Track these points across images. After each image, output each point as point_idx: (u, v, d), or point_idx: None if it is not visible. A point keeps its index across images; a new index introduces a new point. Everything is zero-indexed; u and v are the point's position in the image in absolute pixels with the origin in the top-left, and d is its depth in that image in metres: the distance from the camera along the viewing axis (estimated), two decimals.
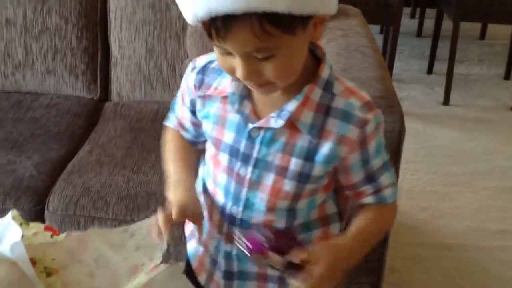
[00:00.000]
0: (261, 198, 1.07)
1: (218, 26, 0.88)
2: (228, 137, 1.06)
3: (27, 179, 1.76)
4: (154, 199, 1.68)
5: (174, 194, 1.10)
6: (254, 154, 1.04)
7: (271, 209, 1.08)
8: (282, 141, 1.02)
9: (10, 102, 2.17)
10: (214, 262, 1.18)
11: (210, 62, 1.09)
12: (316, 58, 1.03)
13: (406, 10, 4.36)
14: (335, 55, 1.78)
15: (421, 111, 3.36)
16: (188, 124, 1.17)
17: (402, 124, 1.48)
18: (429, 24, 4.12)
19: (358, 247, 1.06)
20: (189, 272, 1.22)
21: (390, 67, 3.42)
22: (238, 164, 1.06)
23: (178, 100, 1.18)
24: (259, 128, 1.03)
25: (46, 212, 1.70)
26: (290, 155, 1.03)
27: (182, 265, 1.13)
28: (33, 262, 1.01)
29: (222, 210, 1.12)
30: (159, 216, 1.05)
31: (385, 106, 1.48)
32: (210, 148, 1.12)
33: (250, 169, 1.05)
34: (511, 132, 3.20)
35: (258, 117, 1.03)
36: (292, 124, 1.01)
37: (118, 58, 2.19)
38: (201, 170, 1.19)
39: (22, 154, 1.86)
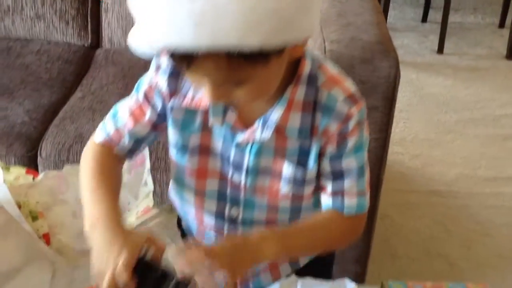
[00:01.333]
0: (261, 199, 1.02)
1: (178, 59, 0.80)
2: (217, 144, 0.98)
3: (19, 126, 1.75)
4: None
5: (99, 236, 0.89)
6: (245, 163, 0.98)
7: (273, 208, 1.03)
8: (272, 147, 0.96)
9: (0, 48, 2.13)
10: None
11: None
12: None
13: None
14: (330, 0, 1.75)
15: (415, 60, 3.34)
16: (142, 127, 1.00)
17: (397, 69, 1.47)
18: None
19: (293, 238, 0.98)
20: None
21: (385, 14, 3.39)
22: (230, 171, 0.99)
23: (136, 99, 1.00)
24: (247, 140, 0.96)
25: (39, 158, 1.70)
26: (282, 158, 0.97)
27: (175, 213, 1.14)
28: (18, 206, 1.02)
29: (217, 214, 1.05)
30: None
31: (380, 51, 1.47)
32: (191, 163, 1.00)
33: (243, 175, 0.99)
34: (504, 80, 3.20)
35: (245, 124, 0.95)
36: (279, 132, 0.94)
37: (109, 3, 2.15)
38: (172, 182, 1.09)
39: (13, 101, 1.85)
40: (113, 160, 1.02)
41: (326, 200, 1.01)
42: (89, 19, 2.19)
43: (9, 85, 1.92)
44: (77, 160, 1.64)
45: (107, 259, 0.84)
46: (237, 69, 0.78)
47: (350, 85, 0.95)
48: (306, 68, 0.92)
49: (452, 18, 3.51)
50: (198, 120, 0.97)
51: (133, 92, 1.01)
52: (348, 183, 0.98)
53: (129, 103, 1.01)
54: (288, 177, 0.98)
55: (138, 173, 1.14)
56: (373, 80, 1.47)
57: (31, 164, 1.68)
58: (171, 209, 1.14)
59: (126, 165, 1.09)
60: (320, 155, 0.97)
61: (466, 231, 2.18)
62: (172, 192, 1.11)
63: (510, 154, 2.61)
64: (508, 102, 2.99)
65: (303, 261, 1.13)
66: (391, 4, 3.52)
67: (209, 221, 1.06)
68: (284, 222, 1.04)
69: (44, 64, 2.06)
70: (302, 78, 0.92)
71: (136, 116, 1.00)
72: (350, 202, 0.99)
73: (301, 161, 0.97)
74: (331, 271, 1.24)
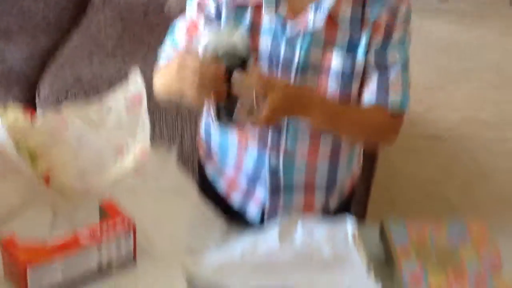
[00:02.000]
0: None
1: None
2: (265, 43, 1.00)
3: (17, 68, 1.75)
4: (147, 87, 1.66)
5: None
6: (296, 59, 0.99)
7: None
8: (322, 39, 0.98)
9: None
10: (254, 178, 1.10)
11: None
12: None
13: None
14: None
15: (419, 5, 3.28)
16: (197, 39, 1.02)
17: None
18: None
19: (342, 114, 1.00)
20: (215, 196, 1.14)
21: None
22: (279, 72, 1.00)
23: (190, 15, 1.05)
24: (298, 31, 0.97)
25: (37, 99, 1.69)
26: (331, 51, 0.98)
27: (173, 152, 1.13)
28: (17, 147, 1.00)
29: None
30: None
31: None
32: None
33: (292, 75, 1.00)
34: (508, 27, 3.17)
35: (295, 16, 0.98)
36: (331, 20, 0.96)
37: None
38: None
39: (11, 45, 1.85)
40: None
41: (370, 95, 1.01)
42: None
43: (6, 30, 1.92)
44: (75, 102, 1.64)
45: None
46: None
47: None
48: None
49: None
50: (248, 19, 0.99)
51: (186, 12, 1.06)
52: (393, 75, 1.00)
53: (183, 22, 1.06)
54: (337, 69, 0.99)
55: (136, 113, 1.13)
56: None
57: (30, 106, 1.67)
58: (168, 150, 1.13)
59: (123, 105, 1.08)
60: (367, 51, 0.99)
61: (468, 175, 2.19)
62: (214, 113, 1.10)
63: None
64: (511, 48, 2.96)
65: (332, 205, 1.14)
66: None
67: (253, 129, 1.05)
68: (327, 137, 1.05)
69: (41, 8, 2.04)
70: None
71: (190, 32, 1.04)
72: (395, 96, 1.01)
73: (350, 52, 0.98)
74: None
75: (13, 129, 1.05)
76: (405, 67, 1.01)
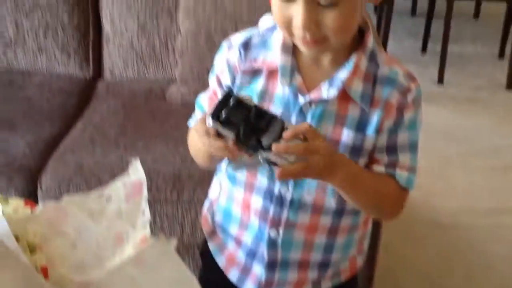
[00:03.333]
0: None
1: None
2: (276, 112, 1.00)
3: (20, 158, 1.75)
4: (148, 177, 1.67)
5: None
6: None
7: (323, 185, 1.04)
8: (333, 113, 1.00)
9: (2, 81, 2.14)
10: (252, 254, 1.13)
11: (249, 38, 1.06)
12: (359, 29, 1.02)
13: None
14: None
15: None
16: None
17: None
18: (423, 3, 4.10)
19: (360, 177, 1.01)
20: (215, 270, 1.18)
21: (384, 46, 3.41)
22: None
23: (211, 86, 1.11)
24: (310, 102, 1.00)
25: (39, 190, 1.69)
26: (341, 126, 1.00)
27: (173, 241, 1.13)
28: (16, 239, 1.00)
29: (266, 193, 1.06)
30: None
31: None
32: None
33: None
34: (505, 111, 3.20)
35: (308, 89, 1.01)
36: (343, 94, 0.99)
37: (110, 35, 2.17)
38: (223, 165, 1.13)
39: (14, 133, 1.85)
40: None
41: (378, 168, 1.03)
42: (90, 51, 2.20)
43: (10, 118, 1.93)
44: (77, 192, 1.65)
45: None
46: None
47: (405, 67, 1.04)
48: (370, 42, 1.00)
49: (452, 48, 3.54)
50: (261, 86, 1.03)
51: (210, 84, 1.12)
52: (402, 157, 1.03)
53: (207, 93, 1.13)
54: (346, 144, 1.00)
55: (136, 202, 1.13)
56: None
57: (31, 197, 1.68)
58: (169, 237, 1.13)
59: (123, 193, 1.09)
60: (379, 131, 1.01)
61: (469, 263, 2.17)
62: (223, 178, 1.13)
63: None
64: (508, 132, 2.99)
65: (324, 285, 1.15)
66: (390, 35, 3.54)
67: (256, 202, 1.07)
68: (330, 210, 1.06)
69: (46, 97, 2.07)
70: (366, 49, 1.00)
71: (212, 100, 1.08)
72: (401, 173, 1.03)
73: (360, 128, 1.00)
74: None
75: (13, 220, 1.05)
76: (414, 149, 1.04)
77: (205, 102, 1.12)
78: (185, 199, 1.64)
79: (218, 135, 0.91)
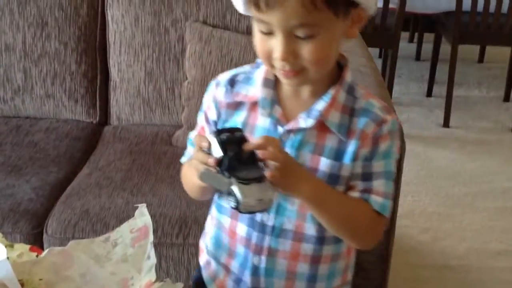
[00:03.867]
0: (292, 203, 1.08)
1: None
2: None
3: (25, 203, 1.75)
4: (154, 221, 1.66)
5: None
6: None
7: (302, 214, 1.08)
8: (312, 142, 1.05)
9: (9, 126, 2.16)
10: (238, 281, 1.16)
11: (235, 75, 1.12)
12: (337, 64, 1.07)
13: (405, 35, 4.38)
14: None
15: (421, 134, 3.36)
16: None
17: (402, 141, 1.47)
18: (427, 48, 4.13)
19: (330, 195, 1.04)
20: None
21: (389, 90, 3.43)
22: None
23: (200, 122, 1.17)
24: (289, 132, 1.05)
25: (44, 235, 1.69)
26: (319, 155, 1.05)
27: (180, 286, 1.12)
28: (21, 284, 1.00)
29: (250, 220, 1.11)
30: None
31: None
32: None
33: None
34: (511, 153, 3.20)
35: (288, 120, 1.06)
36: (321, 125, 1.04)
37: (117, 81, 2.19)
38: None
39: (20, 178, 1.86)
40: None
41: (353, 194, 1.06)
42: (97, 97, 2.22)
43: (17, 163, 1.94)
44: (82, 237, 1.65)
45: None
46: (313, 12, 0.93)
47: (383, 101, 1.09)
48: (348, 76, 1.06)
49: (457, 92, 3.56)
50: (242, 118, 1.09)
51: (197, 121, 1.18)
52: (376, 183, 1.05)
53: (196, 128, 1.18)
54: (324, 172, 1.04)
55: (142, 246, 1.13)
56: None
57: (37, 242, 1.67)
58: (175, 281, 1.12)
59: (128, 238, 1.09)
60: (354, 159, 1.04)
61: None
62: (213, 207, 1.19)
63: None
64: None
65: None
66: (395, 80, 3.57)
67: (241, 230, 1.12)
68: (311, 237, 1.09)
69: (53, 142, 2.08)
70: (344, 83, 1.05)
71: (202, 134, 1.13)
72: (376, 198, 1.05)
73: (338, 157, 1.04)
74: None
75: (18, 264, 1.05)
76: (389, 177, 1.07)
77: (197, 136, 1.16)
78: (191, 243, 1.63)
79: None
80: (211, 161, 0.97)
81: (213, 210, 1.19)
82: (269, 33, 0.98)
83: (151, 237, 1.16)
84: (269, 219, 1.09)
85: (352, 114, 1.05)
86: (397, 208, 1.57)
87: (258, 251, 1.11)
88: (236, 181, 0.95)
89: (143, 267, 1.12)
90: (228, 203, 1.00)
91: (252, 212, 1.00)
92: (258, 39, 1.00)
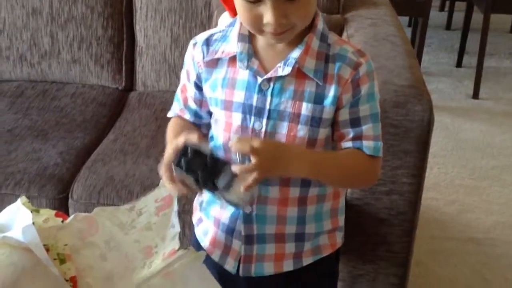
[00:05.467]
0: None
1: None
2: (239, 96, 1.11)
3: (51, 167, 1.76)
4: None
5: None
6: (267, 106, 1.10)
7: None
8: (291, 89, 1.09)
9: (36, 91, 2.17)
10: (230, 231, 1.20)
11: (212, 35, 1.16)
12: None
13: (435, 3, 4.30)
14: (362, 43, 1.75)
15: (450, 105, 3.30)
16: (192, 104, 1.21)
17: (431, 113, 1.44)
18: (458, 17, 4.05)
19: (327, 162, 1.11)
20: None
21: (419, 60, 3.37)
22: (252, 119, 1.11)
23: (182, 80, 1.22)
24: (269, 80, 1.09)
25: (70, 200, 1.70)
26: (301, 100, 1.09)
27: (202, 253, 1.12)
28: (46, 249, 1.00)
29: None
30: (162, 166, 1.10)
31: (413, 95, 1.45)
32: (220, 117, 1.15)
33: (264, 121, 1.10)
34: None
35: (266, 71, 1.10)
36: (298, 72, 1.08)
37: (143, 47, 2.18)
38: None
39: (47, 143, 1.87)
40: (188, 121, 1.24)
41: (346, 144, 1.12)
42: (123, 63, 2.22)
43: (43, 127, 1.95)
44: (107, 203, 1.66)
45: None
46: None
47: (355, 45, 1.15)
48: (320, 25, 1.11)
49: (487, 62, 3.49)
50: (223, 74, 1.13)
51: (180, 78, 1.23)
52: (365, 128, 1.11)
53: (179, 85, 1.24)
54: (306, 115, 1.09)
55: (166, 214, 1.13)
56: (406, 124, 1.44)
57: (62, 207, 1.68)
58: (198, 253, 1.12)
59: (153, 207, 1.09)
60: (338, 107, 1.10)
61: (505, 281, 2.11)
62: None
63: None
64: None
65: (306, 261, 1.22)
66: (425, 49, 3.50)
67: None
68: (297, 181, 1.14)
69: (79, 107, 2.09)
70: (317, 31, 1.10)
71: (184, 94, 1.22)
72: (367, 144, 1.11)
73: (318, 100, 1.09)
74: (334, 274, 1.34)
75: (43, 230, 1.06)
76: (375, 119, 1.12)
77: (179, 95, 1.24)
78: None
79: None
80: (193, 189, 1.06)
81: None
82: (255, 2, 1.01)
83: (175, 206, 1.17)
84: None
85: (327, 60, 1.09)
86: (423, 180, 1.55)
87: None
88: (219, 191, 1.03)
89: (167, 236, 1.13)
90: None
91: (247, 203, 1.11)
92: (242, 8, 1.04)
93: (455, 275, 2.13)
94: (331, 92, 1.09)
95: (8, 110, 2.04)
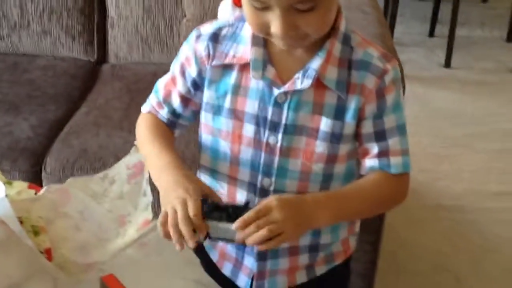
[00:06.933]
0: (294, 164, 1.02)
1: None
2: (252, 106, 1.00)
3: (24, 141, 1.75)
4: None
5: (171, 182, 0.98)
6: (283, 121, 0.99)
7: (305, 174, 1.03)
8: (310, 102, 0.99)
9: (6, 63, 2.14)
10: (242, 247, 1.11)
11: (219, 29, 1.03)
12: None
13: None
14: None
15: (422, 74, 3.33)
16: (175, 100, 1.09)
17: (402, 82, 1.46)
18: None
19: (345, 200, 1.01)
20: (209, 265, 1.16)
21: (391, 30, 3.38)
22: (266, 133, 1.01)
23: (172, 72, 1.10)
24: (285, 93, 0.98)
25: (43, 173, 1.70)
26: (319, 115, 0.99)
27: None
28: (20, 221, 1.01)
29: (249, 186, 1.06)
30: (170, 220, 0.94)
31: None
32: (224, 127, 1.04)
33: (280, 136, 1.00)
34: None
35: (282, 81, 0.99)
36: (318, 83, 0.97)
37: (115, 18, 2.16)
38: (204, 157, 1.11)
39: (18, 116, 1.85)
40: (162, 123, 1.12)
41: (371, 162, 1.02)
42: (95, 35, 2.20)
43: (15, 101, 1.93)
44: (81, 175, 1.65)
45: (172, 199, 0.93)
46: None
47: (381, 47, 1.01)
48: (342, 25, 0.98)
49: (459, 32, 3.51)
50: (233, 80, 1.01)
51: (171, 66, 1.10)
52: (392, 142, 1.00)
53: (166, 77, 1.11)
54: (326, 131, 0.99)
55: (137, 182, 1.13)
56: None
57: (36, 180, 1.68)
58: None
59: (125, 174, 1.09)
60: (360, 119, 0.99)
61: (474, 247, 2.16)
62: (204, 170, 1.12)
63: None
64: None
65: (319, 270, 1.14)
66: (397, 19, 3.52)
67: (241, 196, 1.06)
68: (315, 192, 1.04)
69: (50, 79, 2.07)
70: (338, 34, 0.98)
71: (168, 87, 1.09)
72: (395, 160, 1.01)
73: (339, 115, 0.99)
74: (347, 284, 1.26)
75: (16, 202, 1.06)
76: (402, 131, 1.02)
77: (162, 87, 1.11)
78: None
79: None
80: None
81: (205, 178, 1.11)
82: (264, 8, 0.90)
83: (146, 174, 1.17)
84: (271, 184, 1.04)
85: (350, 66, 0.98)
86: None
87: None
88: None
89: (139, 204, 1.13)
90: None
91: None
92: (250, 13, 0.92)
93: (426, 242, 2.17)
94: (353, 104, 0.98)
95: None
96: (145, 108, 1.15)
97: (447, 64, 3.41)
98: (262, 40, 0.99)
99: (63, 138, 1.77)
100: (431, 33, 3.77)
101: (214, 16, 1.95)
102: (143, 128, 1.12)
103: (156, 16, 2.11)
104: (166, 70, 2.06)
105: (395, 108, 1.00)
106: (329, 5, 0.91)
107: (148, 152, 1.05)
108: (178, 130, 1.13)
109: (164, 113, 1.11)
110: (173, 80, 1.09)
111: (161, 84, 1.11)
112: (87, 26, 2.18)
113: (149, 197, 1.11)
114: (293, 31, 0.90)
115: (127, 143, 1.72)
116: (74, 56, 2.20)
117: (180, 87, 1.08)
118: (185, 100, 1.08)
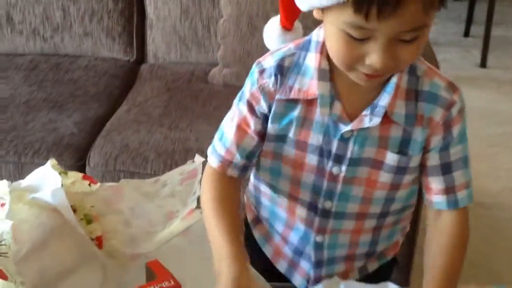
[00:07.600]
0: (357, 191, 1.02)
1: (387, 2, 0.79)
2: (316, 139, 0.98)
3: (68, 137, 1.80)
4: (191, 154, 1.69)
5: (230, 279, 0.92)
6: (348, 154, 0.98)
7: (367, 199, 1.03)
8: (376, 136, 0.97)
9: (49, 64, 2.20)
10: (299, 253, 1.12)
11: (282, 59, 0.98)
12: None
13: None
14: None
15: (458, 74, 3.31)
16: (250, 142, 1.02)
17: None
18: None
19: (452, 281, 1.02)
20: (262, 256, 1.17)
21: None
22: (330, 163, 0.99)
23: (239, 112, 1.02)
24: (352, 130, 0.96)
25: (87, 167, 1.75)
26: (385, 148, 0.97)
27: None
28: (73, 209, 1.04)
29: (310, 206, 1.05)
30: None
31: None
32: (287, 153, 1.01)
33: (344, 168, 0.99)
34: None
35: (349, 116, 0.96)
36: (386, 118, 0.95)
37: (153, 19, 2.20)
38: (263, 174, 1.08)
39: (62, 113, 1.91)
40: (231, 186, 1.05)
41: (438, 199, 1.00)
42: (134, 36, 2.25)
43: (58, 99, 1.99)
44: (123, 169, 1.70)
45: None
46: (429, 13, 0.82)
47: (446, 75, 0.98)
48: None
49: (495, 32, 3.48)
50: (298, 113, 0.98)
51: (234, 108, 1.02)
52: (457, 175, 0.99)
53: (233, 119, 1.02)
54: (391, 165, 0.98)
55: (189, 184, 1.15)
56: None
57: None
58: None
59: (177, 179, 1.12)
60: (426, 151, 0.98)
61: (511, 244, 2.15)
62: (264, 183, 1.09)
63: None
64: None
65: (371, 267, 1.15)
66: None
67: (301, 212, 1.06)
68: (375, 215, 1.05)
69: (92, 79, 2.12)
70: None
71: (241, 130, 1.01)
72: (462, 195, 0.99)
73: (404, 149, 0.97)
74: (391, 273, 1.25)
75: (71, 192, 1.09)
76: (467, 162, 1.00)
77: (231, 131, 1.02)
78: None
79: None
80: None
81: (265, 189, 1.10)
82: (363, 39, 0.84)
83: (199, 176, 1.18)
84: (332, 206, 1.03)
85: (417, 98, 0.95)
86: None
87: (321, 231, 1.07)
88: None
89: (189, 202, 1.16)
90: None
91: None
92: (344, 44, 0.86)
93: None
94: (418, 137, 0.96)
95: (23, 83, 2.08)
96: (213, 161, 1.05)
97: (483, 64, 3.39)
98: (327, 74, 0.95)
99: (105, 134, 1.82)
100: (466, 33, 3.75)
101: (249, 15, 1.99)
102: (209, 197, 1.04)
103: (193, 17, 2.15)
104: (203, 69, 2.13)
105: (461, 139, 0.98)
106: (426, 35, 0.86)
107: (211, 229, 1.01)
108: (249, 172, 1.09)
109: (237, 161, 1.03)
110: (245, 121, 1.01)
111: (229, 130, 1.03)
112: (126, 27, 2.23)
113: (198, 193, 1.13)
114: (393, 62, 0.85)
115: (167, 139, 1.76)
116: (114, 57, 2.26)
117: (254, 125, 1.01)
118: (261, 136, 1.02)
